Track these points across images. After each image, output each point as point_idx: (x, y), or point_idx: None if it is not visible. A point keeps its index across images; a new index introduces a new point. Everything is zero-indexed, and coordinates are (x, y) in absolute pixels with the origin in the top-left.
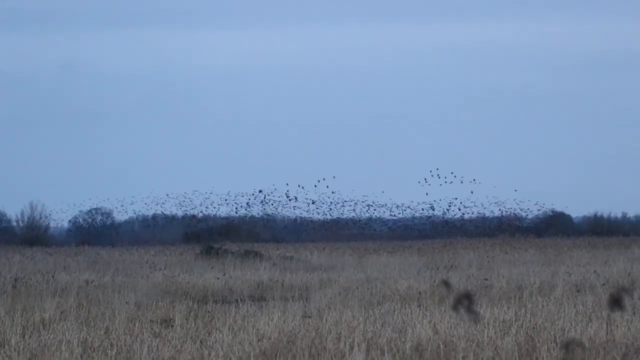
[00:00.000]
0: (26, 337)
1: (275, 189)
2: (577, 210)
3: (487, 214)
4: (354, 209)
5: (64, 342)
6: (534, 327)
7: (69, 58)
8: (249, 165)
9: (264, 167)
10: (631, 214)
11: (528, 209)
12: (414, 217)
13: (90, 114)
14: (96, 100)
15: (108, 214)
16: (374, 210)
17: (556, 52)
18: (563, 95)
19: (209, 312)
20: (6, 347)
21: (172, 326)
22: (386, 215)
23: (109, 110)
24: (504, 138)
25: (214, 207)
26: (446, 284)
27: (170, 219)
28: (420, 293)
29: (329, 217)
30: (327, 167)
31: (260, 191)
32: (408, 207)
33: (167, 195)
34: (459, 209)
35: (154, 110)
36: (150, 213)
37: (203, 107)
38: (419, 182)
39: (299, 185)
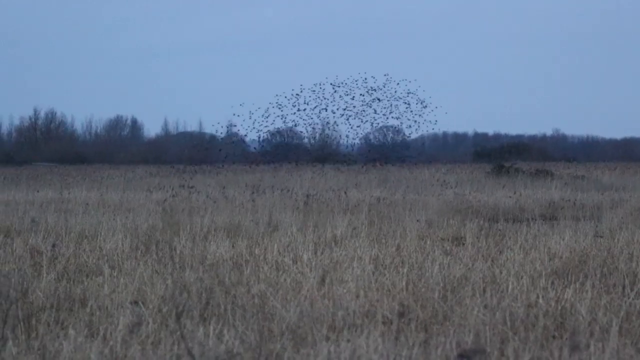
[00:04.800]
0: (318, 253)
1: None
2: None
3: None
4: None
5: (355, 259)
6: None
7: None
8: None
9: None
10: None
11: None
12: None
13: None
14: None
15: (399, 132)
16: None
17: None
18: None
19: (499, 230)
20: (299, 263)
21: (463, 244)
22: None
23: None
24: None
25: (505, 126)
26: None
27: (460, 137)
28: None
29: (620, 136)
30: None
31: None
32: None
33: (459, 114)
34: None
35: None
36: (441, 131)
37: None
38: None
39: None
